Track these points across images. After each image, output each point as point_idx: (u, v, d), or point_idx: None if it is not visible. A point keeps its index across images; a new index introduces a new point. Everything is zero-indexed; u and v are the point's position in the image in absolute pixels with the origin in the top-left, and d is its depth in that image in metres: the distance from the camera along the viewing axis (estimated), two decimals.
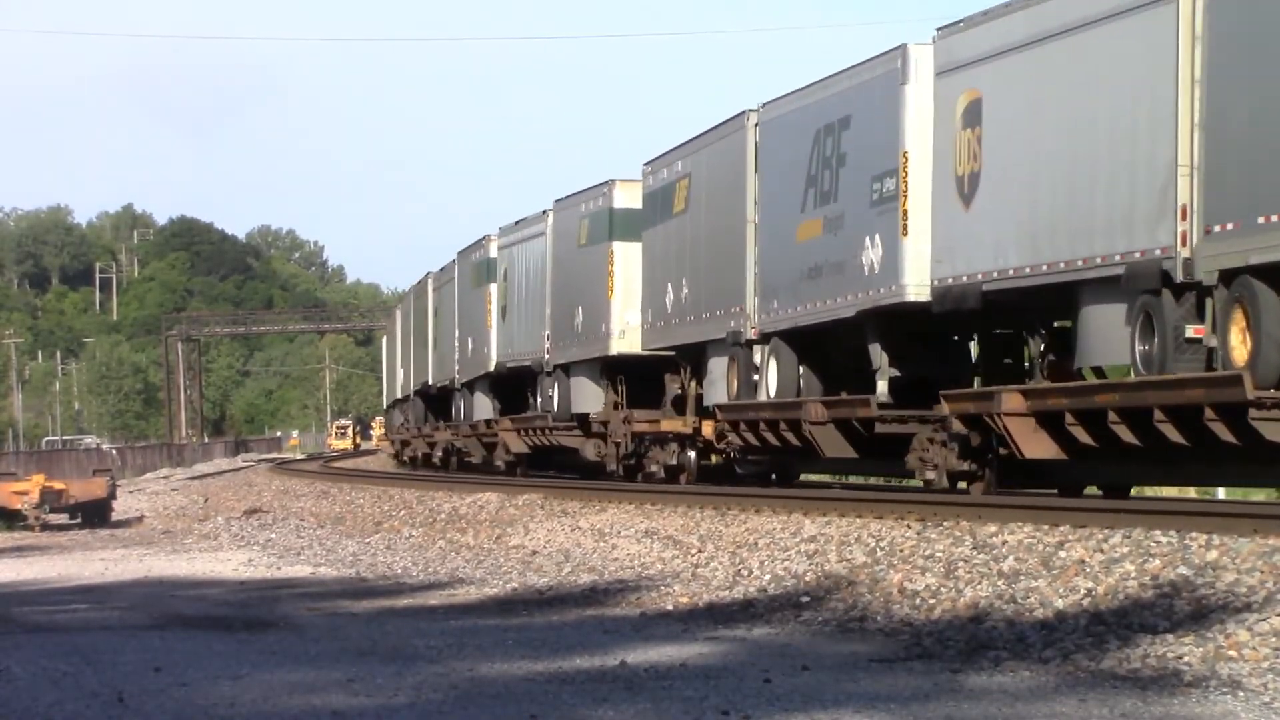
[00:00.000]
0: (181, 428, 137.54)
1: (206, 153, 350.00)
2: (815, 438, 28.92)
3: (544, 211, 45.33)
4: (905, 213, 26.49)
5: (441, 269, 61.52)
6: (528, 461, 48.27)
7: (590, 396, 41.31)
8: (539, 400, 45.34)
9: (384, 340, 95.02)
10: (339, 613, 17.85)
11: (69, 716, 11.34)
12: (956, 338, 29.06)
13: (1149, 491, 36.81)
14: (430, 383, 61.38)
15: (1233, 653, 12.09)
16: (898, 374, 27.98)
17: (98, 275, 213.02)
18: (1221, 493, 35.59)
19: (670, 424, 36.42)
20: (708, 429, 34.57)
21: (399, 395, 73.70)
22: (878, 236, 27.26)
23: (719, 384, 33.37)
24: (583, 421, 41.93)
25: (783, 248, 30.82)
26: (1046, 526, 17.92)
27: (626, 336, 38.80)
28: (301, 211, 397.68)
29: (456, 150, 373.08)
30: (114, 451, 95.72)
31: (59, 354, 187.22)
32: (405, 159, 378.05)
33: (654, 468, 37.42)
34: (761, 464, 33.50)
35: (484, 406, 51.82)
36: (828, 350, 30.51)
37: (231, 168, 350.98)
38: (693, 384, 35.63)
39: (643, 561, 21.24)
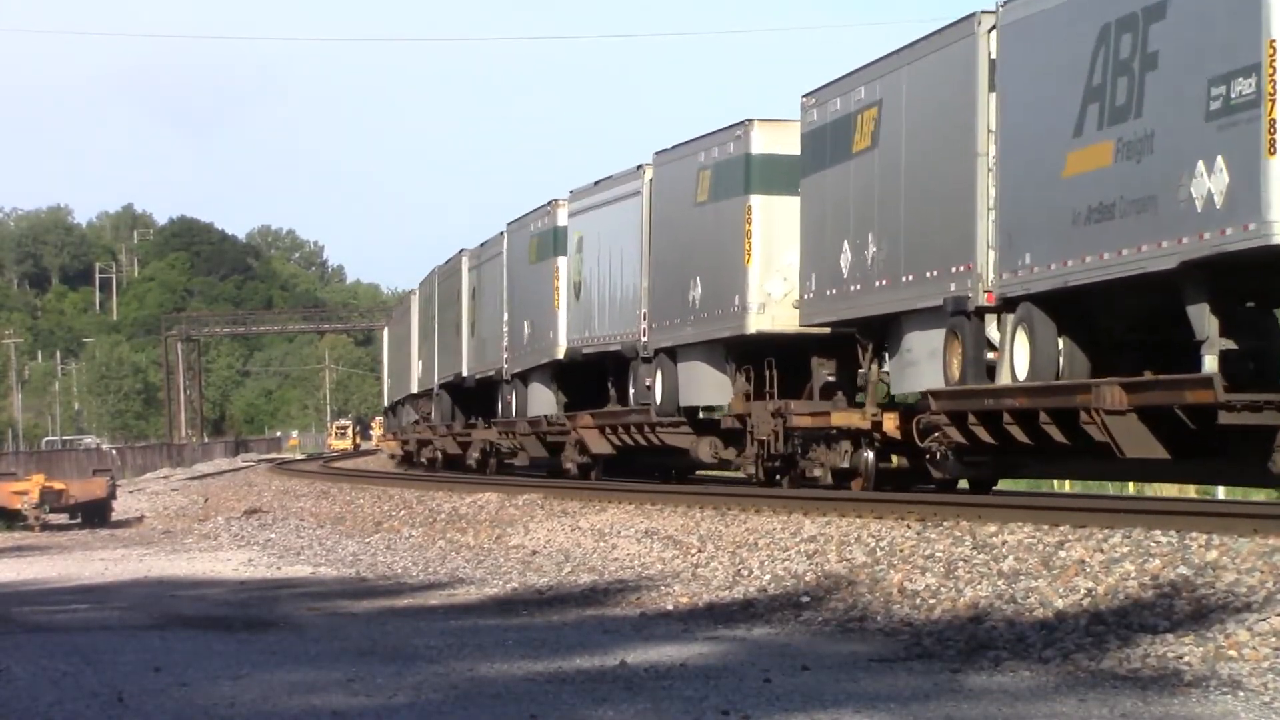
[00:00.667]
0: (181, 428, 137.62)
1: (206, 153, 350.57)
2: (1112, 433, 22.25)
3: (638, 167, 38.08)
4: (1273, 123, 19.74)
5: (482, 244, 53.90)
6: (605, 464, 41.16)
7: (709, 386, 34.67)
8: (632, 391, 38.14)
9: (385, 335, 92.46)
10: (339, 613, 17.85)
11: (69, 716, 11.34)
12: (1250, 304, 22.83)
13: (1149, 490, 36.86)
14: (465, 374, 54.21)
15: (1233, 653, 12.10)
16: (1233, 346, 21.35)
17: (98, 275, 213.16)
18: (1221, 492, 35.52)
19: (843, 417, 29.36)
20: (889, 423, 28.15)
21: (413, 390, 67.49)
22: (1218, 159, 20.55)
23: (924, 365, 26.94)
24: (693, 416, 35.84)
25: (1040, 185, 24.14)
26: (1046, 526, 17.94)
27: (768, 311, 31.96)
28: (301, 211, 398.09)
29: (456, 150, 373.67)
30: (114, 451, 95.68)
31: (59, 354, 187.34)
32: (405, 159, 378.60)
33: (817, 472, 30.15)
34: (983, 466, 27.33)
35: (544, 400, 44.72)
36: (1102, 319, 24.17)
37: (231, 168, 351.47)
38: (873, 367, 29.11)
39: (643, 561, 21.25)
